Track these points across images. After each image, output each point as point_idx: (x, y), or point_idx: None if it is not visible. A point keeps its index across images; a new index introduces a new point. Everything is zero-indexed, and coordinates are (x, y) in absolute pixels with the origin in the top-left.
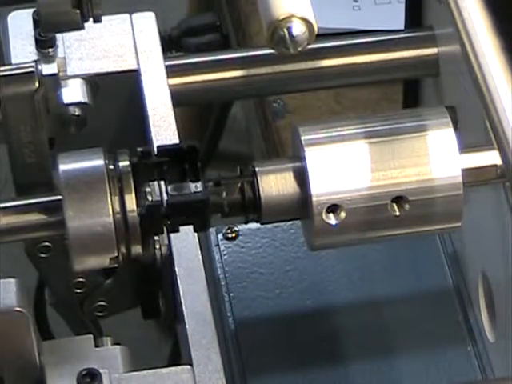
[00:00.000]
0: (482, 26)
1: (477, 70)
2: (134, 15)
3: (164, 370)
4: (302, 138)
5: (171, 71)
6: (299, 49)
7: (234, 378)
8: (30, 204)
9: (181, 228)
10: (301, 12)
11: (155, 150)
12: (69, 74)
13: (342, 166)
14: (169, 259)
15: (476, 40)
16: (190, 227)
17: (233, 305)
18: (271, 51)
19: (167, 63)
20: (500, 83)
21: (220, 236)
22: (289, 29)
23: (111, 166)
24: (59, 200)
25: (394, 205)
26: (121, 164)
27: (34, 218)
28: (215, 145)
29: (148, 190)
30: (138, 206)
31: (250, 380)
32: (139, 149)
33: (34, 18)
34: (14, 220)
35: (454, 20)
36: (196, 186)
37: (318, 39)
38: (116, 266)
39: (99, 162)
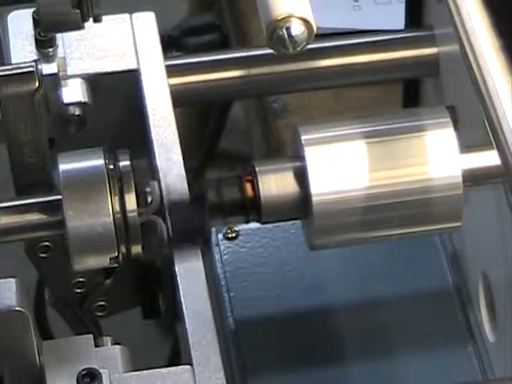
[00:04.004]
0: (481, 26)
1: (476, 69)
2: (134, 15)
3: (164, 370)
4: (302, 138)
5: (171, 71)
6: (298, 49)
7: (234, 377)
8: (29, 204)
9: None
10: (300, 12)
11: None
12: (69, 73)
13: (342, 165)
14: (169, 259)
15: (475, 40)
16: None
17: (233, 305)
18: (271, 51)
19: (167, 63)
20: (499, 83)
21: (220, 236)
22: (288, 29)
23: (111, 166)
24: (59, 200)
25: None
26: (121, 164)
27: (34, 217)
28: (215, 145)
29: (148, 189)
30: (138, 206)
31: (250, 380)
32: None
33: (34, 18)
34: (14, 220)
35: (452, 20)
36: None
37: (318, 39)
38: (116, 265)
39: (99, 161)
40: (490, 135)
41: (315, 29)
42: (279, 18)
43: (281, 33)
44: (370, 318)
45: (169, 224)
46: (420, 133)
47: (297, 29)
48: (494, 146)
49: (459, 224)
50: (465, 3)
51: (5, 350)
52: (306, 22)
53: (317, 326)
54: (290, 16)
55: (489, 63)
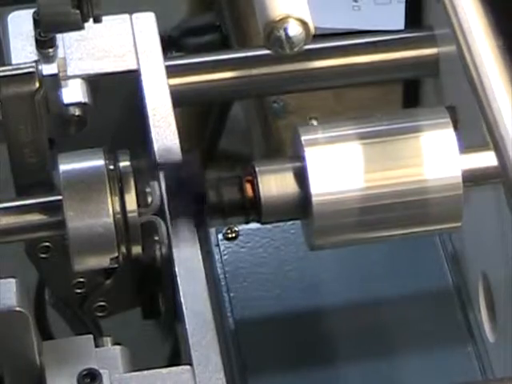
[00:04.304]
0: (478, 26)
1: (473, 70)
2: (134, 15)
3: (164, 370)
4: (302, 138)
5: (171, 71)
6: (295, 49)
7: (234, 378)
8: (30, 204)
9: (181, 228)
10: (297, 13)
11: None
12: (69, 74)
13: (341, 165)
14: (169, 259)
15: (472, 40)
16: (190, 228)
17: (233, 305)
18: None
19: (167, 63)
20: (496, 84)
21: (220, 236)
22: (285, 29)
23: (111, 167)
24: (59, 200)
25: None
26: (121, 164)
27: (34, 218)
28: (215, 145)
29: (148, 189)
30: (138, 206)
31: (250, 380)
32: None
33: (34, 18)
34: (14, 220)
35: (450, 20)
36: None
37: (318, 39)
38: (116, 266)
39: (99, 162)
40: (488, 136)
41: (313, 30)
42: (277, 18)
43: (278, 34)
44: (370, 318)
45: (169, 224)
46: (420, 133)
47: (294, 30)
48: (492, 147)
49: (459, 224)
50: (462, 3)
51: (5, 350)
52: (303, 22)
53: (317, 326)
54: (287, 17)
55: (486, 64)
